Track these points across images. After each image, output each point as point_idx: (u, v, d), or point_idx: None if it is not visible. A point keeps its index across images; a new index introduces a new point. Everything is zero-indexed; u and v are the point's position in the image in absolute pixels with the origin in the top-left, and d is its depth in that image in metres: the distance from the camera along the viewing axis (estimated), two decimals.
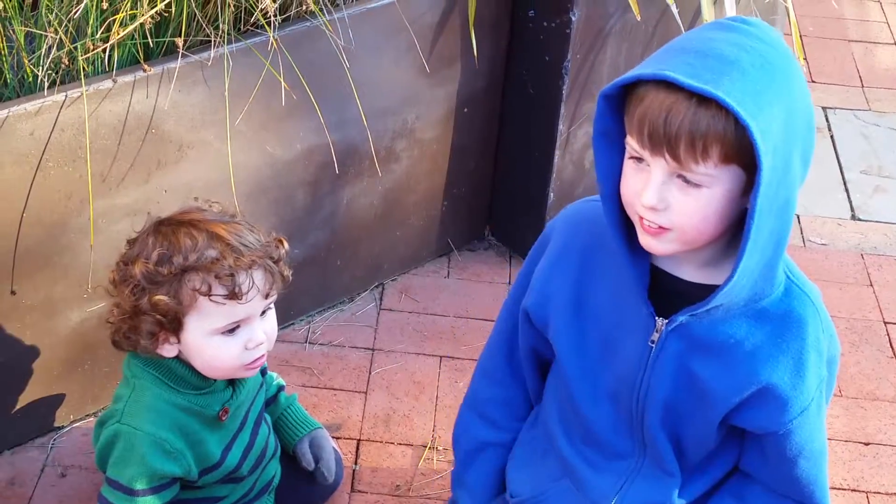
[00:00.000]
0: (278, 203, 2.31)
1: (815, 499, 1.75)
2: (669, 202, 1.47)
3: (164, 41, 2.04)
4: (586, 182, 2.69)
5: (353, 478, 2.23)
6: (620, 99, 1.50)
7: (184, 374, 1.80)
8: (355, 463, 2.26)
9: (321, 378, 2.44)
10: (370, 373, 2.47)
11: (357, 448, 2.29)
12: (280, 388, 2.09)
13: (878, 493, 2.29)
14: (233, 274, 1.72)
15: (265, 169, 2.25)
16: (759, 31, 1.47)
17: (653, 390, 1.66)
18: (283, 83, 2.12)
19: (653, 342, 1.63)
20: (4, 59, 1.92)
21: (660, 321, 1.62)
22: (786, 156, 1.43)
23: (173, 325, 1.74)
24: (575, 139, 2.58)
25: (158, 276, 1.72)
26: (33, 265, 2.02)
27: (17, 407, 2.17)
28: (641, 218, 1.51)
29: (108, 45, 1.92)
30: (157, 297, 1.72)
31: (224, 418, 1.84)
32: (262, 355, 1.81)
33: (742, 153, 1.41)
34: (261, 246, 1.78)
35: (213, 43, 2.03)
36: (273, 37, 2.07)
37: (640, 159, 1.48)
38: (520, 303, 1.77)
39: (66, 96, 1.91)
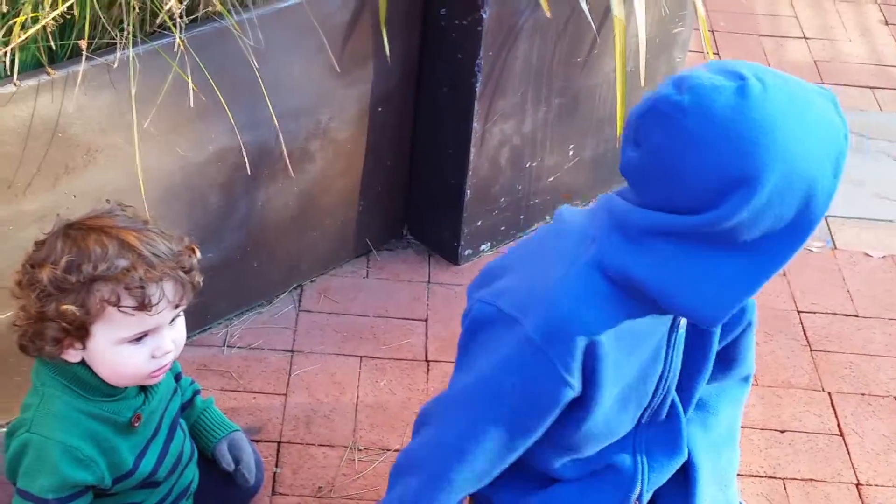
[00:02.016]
0: (191, 206, 2.29)
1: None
2: None
3: (69, 44, 2.01)
4: (502, 180, 2.70)
5: (275, 480, 2.22)
6: None
7: (93, 382, 1.77)
8: (276, 465, 2.25)
9: (240, 381, 2.42)
10: (290, 375, 2.45)
11: (278, 450, 2.28)
12: (196, 392, 2.07)
13: (795, 479, 2.32)
14: (143, 286, 1.69)
15: (176, 172, 2.22)
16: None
17: (675, 364, 1.72)
18: (191, 85, 2.10)
19: (681, 327, 1.69)
20: None
21: None
22: None
23: (79, 332, 1.71)
24: (490, 136, 2.59)
25: (66, 284, 1.70)
26: None
27: None
28: None
29: (9, 48, 1.89)
30: (65, 306, 1.69)
31: (136, 424, 1.82)
32: (168, 363, 1.79)
33: None
34: (173, 256, 1.75)
35: (118, 45, 2.01)
36: (180, 38, 2.05)
37: None
38: (524, 414, 1.62)
39: None
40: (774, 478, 2.32)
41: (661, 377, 1.70)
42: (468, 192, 2.65)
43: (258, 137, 2.31)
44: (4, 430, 1.94)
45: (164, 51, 2.06)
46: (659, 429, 1.80)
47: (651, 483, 1.81)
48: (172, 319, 1.78)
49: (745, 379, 1.94)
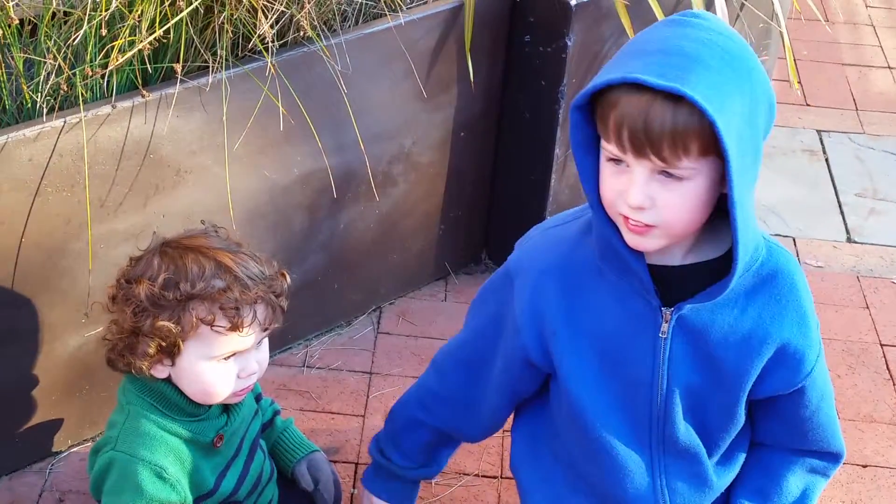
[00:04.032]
0: (276, 227, 2.32)
1: (838, 437, 1.82)
2: (655, 199, 1.51)
3: (163, 67, 2.05)
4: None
5: (352, 501, 2.23)
6: (591, 107, 1.54)
7: (178, 401, 1.80)
8: (354, 486, 2.26)
9: (319, 402, 2.44)
10: (368, 396, 2.47)
11: (355, 472, 2.29)
12: (276, 413, 2.09)
13: None
14: (237, 307, 1.72)
15: (263, 194, 2.25)
16: (712, 24, 1.51)
17: (673, 380, 1.68)
18: (280, 108, 2.13)
19: (663, 333, 1.66)
20: (3, 85, 1.93)
21: (667, 311, 1.64)
22: (753, 139, 1.49)
23: (171, 349, 1.74)
24: (571, 163, 2.59)
25: (163, 301, 1.73)
26: (32, 290, 2.03)
27: (16, 432, 2.17)
28: (626, 218, 1.55)
29: (106, 70, 1.93)
30: (160, 322, 1.72)
31: (219, 445, 1.84)
32: (252, 384, 1.82)
33: (717, 143, 1.45)
34: (265, 279, 1.78)
35: (211, 68, 2.04)
36: (271, 62, 2.08)
37: (618, 161, 1.52)
38: (491, 339, 1.81)
39: (64, 122, 1.91)
40: None
41: (651, 386, 1.69)
42: (548, 217, 2.64)
43: (343, 161, 2.33)
44: (91, 445, 1.97)
45: (255, 74, 2.09)
46: (679, 459, 1.77)
47: None
48: (259, 341, 1.80)
49: (829, 458, 1.85)
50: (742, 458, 1.83)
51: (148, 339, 1.73)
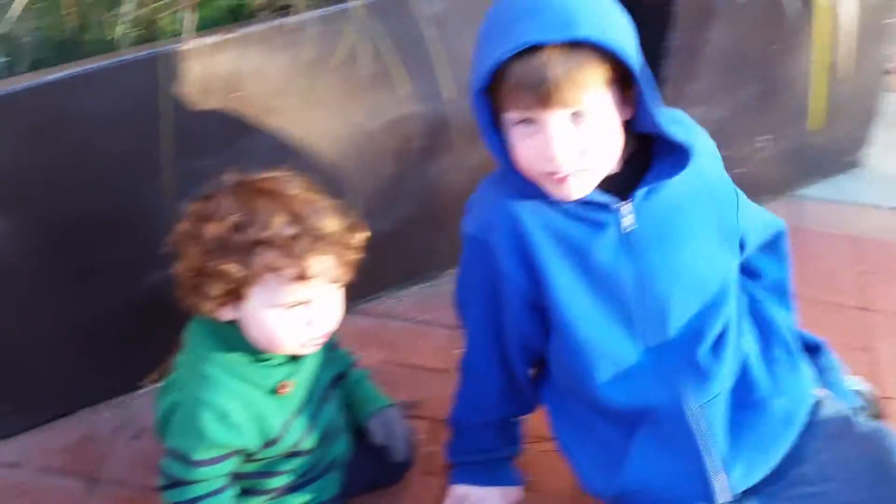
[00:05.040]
0: (363, 174, 2.27)
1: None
2: (575, 144, 1.64)
3: (250, 3, 2.00)
4: None
5: (428, 460, 2.17)
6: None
7: (244, 346, 1.76)
8: (431, 444, 2.20)
9: (402, 355, 2.39)
10: (453, 352, 2.40)
11: (435, 429, 2.23)
12: (351, 364, 2.05)
13: None
14: (304, 257, 1.67)
15: (350, 139, 2.20)
16: None
17: (650, 268, 1.76)
18: (368, 51, 2.07)
19: (626, 228, 1.75)
20: (87, 17, 1.90)
21: (624, 204, 1.74)
22: (639, 53, 1.65)
23: (236, 292, 1.70)
24: None
25: (230, 243, 1.69)
26: (111, 225, 2.02)
27: (95, 366, 2.18)
28: (551, 174, 1.67)
29: (191, 4, 1.89)
30: (225, 266, 1.68)
31: (284, 392, 1.80)
32: (322, 336, 1.77)
33: (612, 71, 1.62)
34: (338, 230, 1.73)
35: (298, 7, 1.99)
36: (359, 3, 2.02)
37: (528, 122, 1.64)
38: (487, 307, 1.86)
39: (147, 55, 1.88)
40: None
41: (636, 282, 1.76)
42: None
43: (435, 109, 2.26)
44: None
45: (344, 16, 2.03)
46: (680, 351, 1.80)
47: (709, 411, 1.79)
48: (329, 293, 1.75)
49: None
50: (733, 344, 1.84)
51: (213, 281, 1.70)
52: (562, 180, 1.68)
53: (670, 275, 1.77)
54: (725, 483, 1.78)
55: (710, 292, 1.81)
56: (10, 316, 2.04)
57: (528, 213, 1.77)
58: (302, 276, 1.68)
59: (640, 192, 1.74)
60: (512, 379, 1.96)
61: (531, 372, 1.99)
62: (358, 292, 2.35)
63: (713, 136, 2.60)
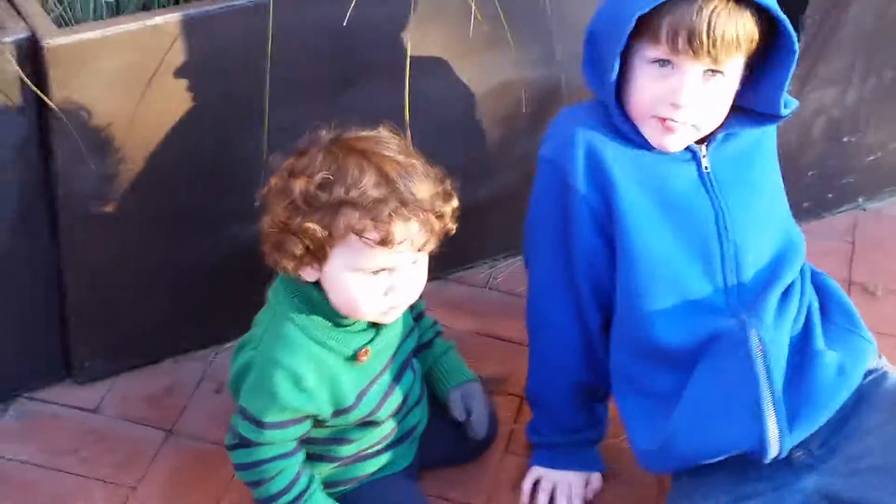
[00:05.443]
0: (466, 139, 2.20)
1: None
2: (699, 98, 1.69)
3: None
4: (812, 151, 2.49)
5: (510, 438, 2.11)
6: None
7: (325, 308, 1.71)
8: (515, 422, 2.13)
9: (493, 327, 2.32)
10: None
11: (519, 406, 2.16)
12: (437, 334, 1.99)
13: None
14: (389, 222, 1.61)
15: (454, 101, 2.14)
16: None
17: (728, 207, 1.79)
18: (475, 11, 1.99)
19: (707, 168, 1.79)
20: None
21: (702, 148, 1.79)
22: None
23: (318, 252, 1.65)
24: (806, 102, 2.37)
25: (316, 201, 1.64)
26: (206, 175, 1.99)
27: (184, 316, 2.16)
28: (663, 120, 1.71)
29: None
30: (308, 224, 1.63)
31: (363, 359, 1.75)
32: (402, 304, 1.71)
33: (757, 44, 1.69)
34: (429, 197, 1.66)
35: None
36: None
37: (663, 63, 1.68)
38: (558, 238, 1.85)
39: (251, 2, 1.84)
40: None
41: (716, 221, 1.78)
42: None
43: (543, 75, 2.18)
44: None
45: None
46: (753, 293, 1.79)
47: (771, 346, 1.75)
48: (414, 261, 1.69)
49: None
50: (800, 295, 1.84)
51: (296, 239, 1.65)
52: (670, 129, 1.72)
53: (746, 219, 1.80)
54: (775, 426, 1.74)
55: (782, 242, 1.84)
56: (101, 257, 2.02)
57: (609, 144, 1.78)
58: (385, 241, 1.62)
59: (720, 135, 1.79)
60: (584, 327, 1.89)
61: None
62: (452, 261, 2.29)
63: (845, 120, 2.50)
